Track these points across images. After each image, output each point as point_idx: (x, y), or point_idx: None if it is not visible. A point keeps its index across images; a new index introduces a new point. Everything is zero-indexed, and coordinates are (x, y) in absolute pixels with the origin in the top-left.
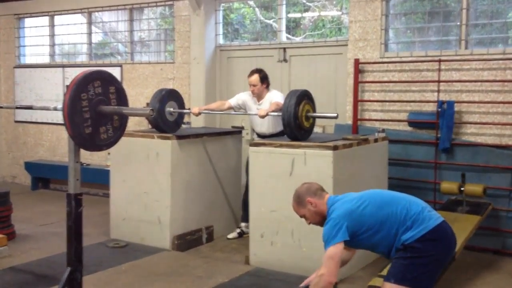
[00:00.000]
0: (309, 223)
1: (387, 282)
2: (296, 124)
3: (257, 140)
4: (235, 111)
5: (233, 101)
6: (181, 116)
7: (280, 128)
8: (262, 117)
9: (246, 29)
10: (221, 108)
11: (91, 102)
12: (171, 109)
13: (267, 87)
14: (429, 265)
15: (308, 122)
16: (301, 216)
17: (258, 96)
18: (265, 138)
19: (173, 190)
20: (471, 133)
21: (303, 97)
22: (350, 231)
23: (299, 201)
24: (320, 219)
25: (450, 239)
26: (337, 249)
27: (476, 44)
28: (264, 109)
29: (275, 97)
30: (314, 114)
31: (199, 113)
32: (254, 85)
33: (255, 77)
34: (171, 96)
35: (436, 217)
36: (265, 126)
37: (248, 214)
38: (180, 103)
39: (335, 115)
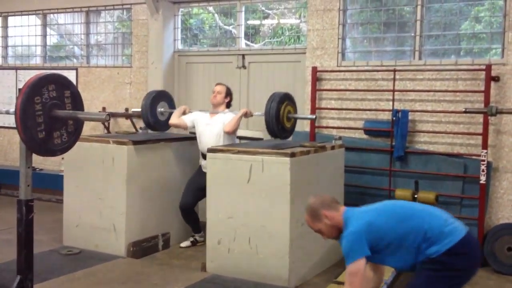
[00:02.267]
0: (325, 238)
1: None
2: (278, 124)
3: (216, 146)
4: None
5: (188, 122)
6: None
7: None
8: (248, 115)
9: (205, 35)
10: (177, 121)
11: (45, 106)
12: (162, 109)
13: (228, 104)
14: (455, 278)
15: (290, 123)
16: (316, 231)
17: (215, 107)
18: None
19: (129, 196)
20: (424, 142)
21: (285, 99)
22: (370, 246)
23: (313, 215)
24: (337, 233)
25: (476, 251)
26: (359, 265)
27: (430, 55)
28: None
29: (229, 120)
30: (295, 115)
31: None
32: (218, 92)
33: (223, 87)
34: (162, 96)
35: (460, 228)
36: (213, 143)
37: (195, 226)
38: (171, 103)
39: (314, 116)
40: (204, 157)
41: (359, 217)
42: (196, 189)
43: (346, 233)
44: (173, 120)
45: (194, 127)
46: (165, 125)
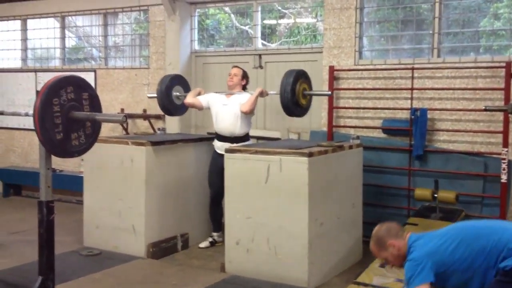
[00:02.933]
0: (392, 266)
1: None
2: (294, 101)
3: (233, 146)
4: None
5: (203, 102)
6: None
7: (245, 130)
8: (264, 94)
9: (222, 35)
10: (192, 100)
11: (63, 107)
12: (178, 93)
13: (244, 86)
14: None
15: (305, 100)
16: (382, 259)
17: (231, 88)
18: (226, 139)
19: (148, 197)
20: (443, 140)
21: (300, 76)
22: (435, 271)
23: (380, 243)
24: (403, 261)
25: None
26: None
27: (448, 53)
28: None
29: (246, 97)
30: (311, 91)
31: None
32: (235, 74)
33: (239, 70)
34: (177, 80)
35: None
36: (231, 124)
37: (217, 224)
38: (186, 87)
39: (329, 92)
40: (219, 138)
41: (424, 243)
42: (219, 172)
43: (409, 258)
44: (188, 99)
45: (209, 108)
46: (181, 109)
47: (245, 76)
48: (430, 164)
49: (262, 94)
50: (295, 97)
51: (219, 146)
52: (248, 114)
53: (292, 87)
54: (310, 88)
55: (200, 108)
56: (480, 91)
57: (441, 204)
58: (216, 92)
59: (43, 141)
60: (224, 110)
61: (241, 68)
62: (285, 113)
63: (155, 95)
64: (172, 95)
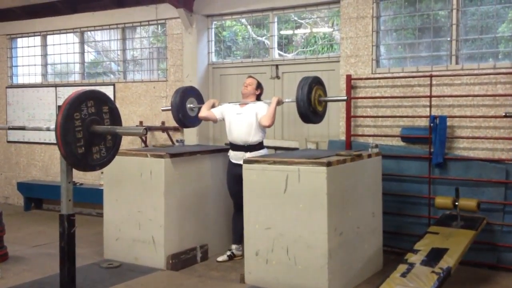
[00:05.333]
0: None
1: None
2: (310, 108)
3: (248, 156)
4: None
5: (217, 114)
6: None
7: (258, 138)
8: (280, 102)
9: (239, 47)
10: (206, 114)
11: (84, 121)
12: (192, 105)
13: (258, 96)
14: None
15: (321, 106)
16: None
17: (245, 97)
18: (239, 148)
19: (167, 208)
20: (463, 148)
21: (315, 83)
22: None
23: None
24: None
25: None
26: None
27: (467, 59)
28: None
29: (262, 110)
30: (326, 98)
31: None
32: (249, 84)
33: (253, 80)
34: (191, 93)
35: None
36: (244, 133)
37: (238, 235)
38: (200, 99)
39: (346, 97)
40: (233, 147)
41: None
42: (237, 183)
43: None
44: (202, 113)
45: (223, 119)
46: (195, 120)
47: (259, 86)
48: (451, 172)
49: (278, 103)
50: (311, 104)
51: (233, 156)
52: (268, 127)
53: (308, 94)
54: (325, 95)
55: (214, 121)
56: (500, 98)
57: (462, 212)
58: (230, 103)
59: (65, 155)
60: (238, 119)
61: (255, 78)
62: (302, 120)
63: (169, 108)
64: (186, 107)
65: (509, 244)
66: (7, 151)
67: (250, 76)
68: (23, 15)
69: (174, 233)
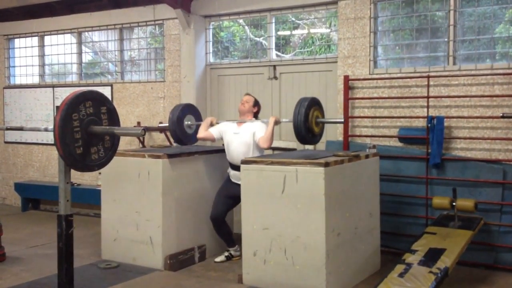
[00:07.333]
0: None
1: None
2: (307, 129)
3: (250, 157)
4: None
5: (215, 134)
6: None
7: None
8: (277, 122)
9: (236, 47)
10: (204, 134)
11: (82, 122)
12: (189, 122)
13: (256, 114)
14: None
15: (318, 127)
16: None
17: (242, 114)
18: (237, 168)
19: (165, 209)
20: (461, 148)
21: (313, 104)
22: None
23: None
24: None
25: None
26: None
27: (464, 60)
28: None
29: (260, 130)
30: (324, 119)
31: (213, 123)
32: (246, 102)
33: (251, 97)
34: (189, 110)
35: None
36: (243, 153)
37: (229, 240)
38: (197, 116)
39: (343, 120)
40: (233, 167)
41: None
42: (226, 197)
43: None
44: (200, 134)
45: (222, 138)
46: (193, 138)
47: (256, 104)
48: (448, 172)
49: (276, 123)
50: (308, 126)
51: (232, 175)
52: (266, 149)
53: (305, 116)
54: (323, 116)
55: (213, 141)
56: (497, 98)
57: (459, 212)
58: (228, 121)
59: (64, 156)
60: (236, 139)
61: (252, 96)
62: (299, 141)
63: (167, 125)
64: (183, 124)
65: (506, 245)
66: (5, 151)
67: (248, 94)
68: (20, 15)
69: (172, 233)
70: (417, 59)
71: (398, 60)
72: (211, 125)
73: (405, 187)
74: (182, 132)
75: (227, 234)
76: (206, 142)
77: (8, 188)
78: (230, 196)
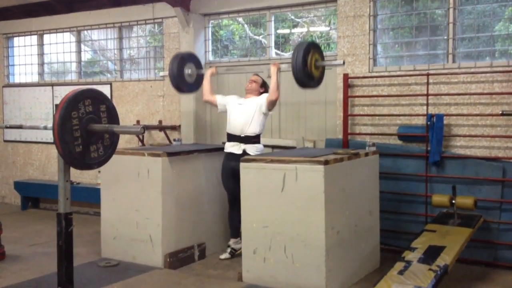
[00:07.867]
0: None
1: None
2: (306, 73)
3: (249, 156)
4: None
5: (220, 103)
6: (200, 77)
7: (255, 130)
8: (277, 69)
9: (236, 46)
10: (210, 98)
11: (81, 120)
12: (189, 71)
13: (262, 93)
14: None
15: (318, 71)
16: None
17: (249, 93)
18: (235, 138)
19: (164, 207)
20: (460, 146)
21: (311, 47)
22: None
23: None
24: None
25: None
26: None
27: (464, 58)
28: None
29: (265, 96)
30: (323, 62)
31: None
32: (254, 81)
33: (259, 78)
34: (189, 58)
35: None
36: (243, 122)
37: (235, 230)
38: (198, 65)
39: (342, 62)
40: (230, 138)
41: None
42: (231, 174)
43: None
44: (206, 96)
45: (225, 111)
46: (193, 87)
47: (264, 84)
48: (447, 170)
49: (279, 70)
50: (307, 68)
51: (227, 146)
52: (276, 101)
53: (303, 59)
54: (322, 59)
55: (215, 106)
56: (497, 96)
57: (459, 210)
58: (236, 96)
59: (63, 154)
60: (239, 108)
61: (260, 77)
62: (298, 85)
63: (167, 73)
64: (184, 73)
65: (505, 242)
66: (4, 150)
67: (256, 74)
68: (19, 14)
69: (172, 231)
70: (416, 57)
71: (397, 58)
72: (212, 74)
73: (404, 185)
74: (182, 81)
75: (238, 222)
76: (206, 140)
77: (7, 186)
78: (233, 174)
